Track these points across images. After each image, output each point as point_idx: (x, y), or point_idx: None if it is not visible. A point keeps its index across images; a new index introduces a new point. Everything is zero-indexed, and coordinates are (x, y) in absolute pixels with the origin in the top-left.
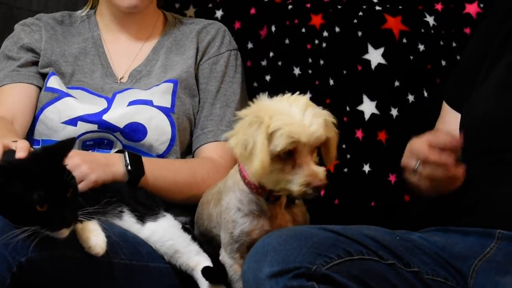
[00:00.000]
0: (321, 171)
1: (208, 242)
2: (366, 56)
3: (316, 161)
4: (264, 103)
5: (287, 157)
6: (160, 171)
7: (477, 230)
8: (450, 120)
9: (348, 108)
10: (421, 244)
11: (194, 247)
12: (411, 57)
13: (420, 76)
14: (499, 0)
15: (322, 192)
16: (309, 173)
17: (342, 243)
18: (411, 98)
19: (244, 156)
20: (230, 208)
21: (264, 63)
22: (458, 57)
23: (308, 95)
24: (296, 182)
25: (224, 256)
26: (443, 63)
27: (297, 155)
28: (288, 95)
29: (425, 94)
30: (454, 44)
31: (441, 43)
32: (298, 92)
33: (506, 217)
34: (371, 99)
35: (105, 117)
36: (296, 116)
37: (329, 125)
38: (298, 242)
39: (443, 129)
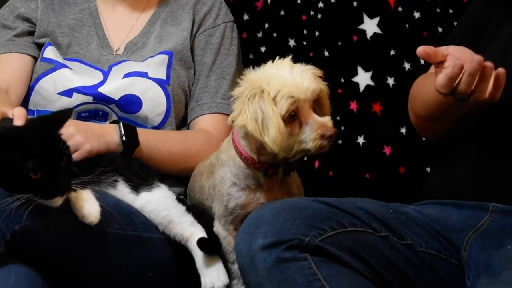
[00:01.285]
0: (327, 120)
1: (200, 214)
2: (362, 26)
3: None
4: (253, 75)
5: (291, 120)
6: (154, 142)
7: (471, 203)
8: None
9: (342, 80)
10: (415, 216)
11: (188, 218)
12: (407, 25)
13: (416, 44)
14: None
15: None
16: (318, 126)
17: (336, 215)
18: (407, 66)
19: (257, 129)
20: (225, 182)
21: (259, 34)
22: (455, 23)
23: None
24: (309, 139)
25: (218, 228)
26: (440, 29)
27: (300, 114)
28: (269, 62)
29: (422, 61)
30: (450, 11)
31: (438, 10)
32: (277, 57)
33: (501, 191)
34: (366, 70)
35: (101, 89)
36: (288, 77)
37: (317, 78)
38: (291, 214)
39: None
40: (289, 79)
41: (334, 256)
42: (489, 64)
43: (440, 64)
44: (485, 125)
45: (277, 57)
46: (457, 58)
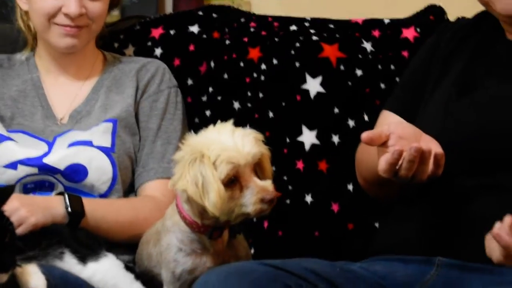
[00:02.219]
0: (268, 184)
1: (149, 282)
2: (305, 86)
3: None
4: (194, 139)
5: (232, 184)
6: (101, 212)
7: (418, 258)
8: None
9: (288, 140)
10: (362, 274)
11: (137, 286)
12: (350, 83)
13: (359, 101)
14: (448, 24)
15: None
16: (258, 190)
17: (282, 277)
18: (351, 123)
19: (198, 194)
20: (171, 248)
21: (204, 98)
22: (398, 79)
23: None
24: (249, 202)
25: None
26: (382, 86)
27: (241, 178)
28: (211, 126)
29: (366, 118)
30: (392, 67)
31: (379, 67)
32: (219, 121)
33: (445, 245)
34: (311, 129)
35: (45, 160)
36: (228, 141)
37: (259, 142)
38: (238, 278)
39: None
40: (229, 144)
41: None
42: (427, 148)
43: (383, 144)
44: (429, 182)
45: (219, 121)
46: (399, 136)
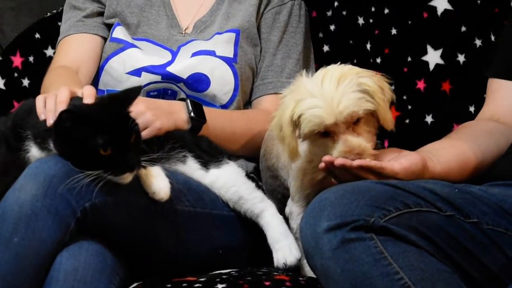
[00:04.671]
0: (356, 144)
1: (274, 177)
2: (432, 3)
3: (370, 130)
4: (300, 83)
5: (325, 135)
6: (218, 121)
7: None
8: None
9: (410, 59)
10: (481, 195)
11: (259, 194)
12: (478, 1)
13: (487, 20)
14: None
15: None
16: (343, 149)
17: (400, 196)
18: (478, 42)
19: (279, 138)
20: (302, 157)
21: (329, 13)
22: None
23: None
24: (334, 156)
25: (292, 206)
26: None
27: (333, 132)
28: (328, 67)
29: (492, 38)
30: None
31: None
32: (339, 62)
33: None
34: (436, 48)
35: (169, 68)
36: (326, 94)
37: (374, 93)
38: (355, 196)
39: (497, 107)
40: (326, 97)
41: (400, 235)
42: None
43: None
44: None
45: (339, 62)
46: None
